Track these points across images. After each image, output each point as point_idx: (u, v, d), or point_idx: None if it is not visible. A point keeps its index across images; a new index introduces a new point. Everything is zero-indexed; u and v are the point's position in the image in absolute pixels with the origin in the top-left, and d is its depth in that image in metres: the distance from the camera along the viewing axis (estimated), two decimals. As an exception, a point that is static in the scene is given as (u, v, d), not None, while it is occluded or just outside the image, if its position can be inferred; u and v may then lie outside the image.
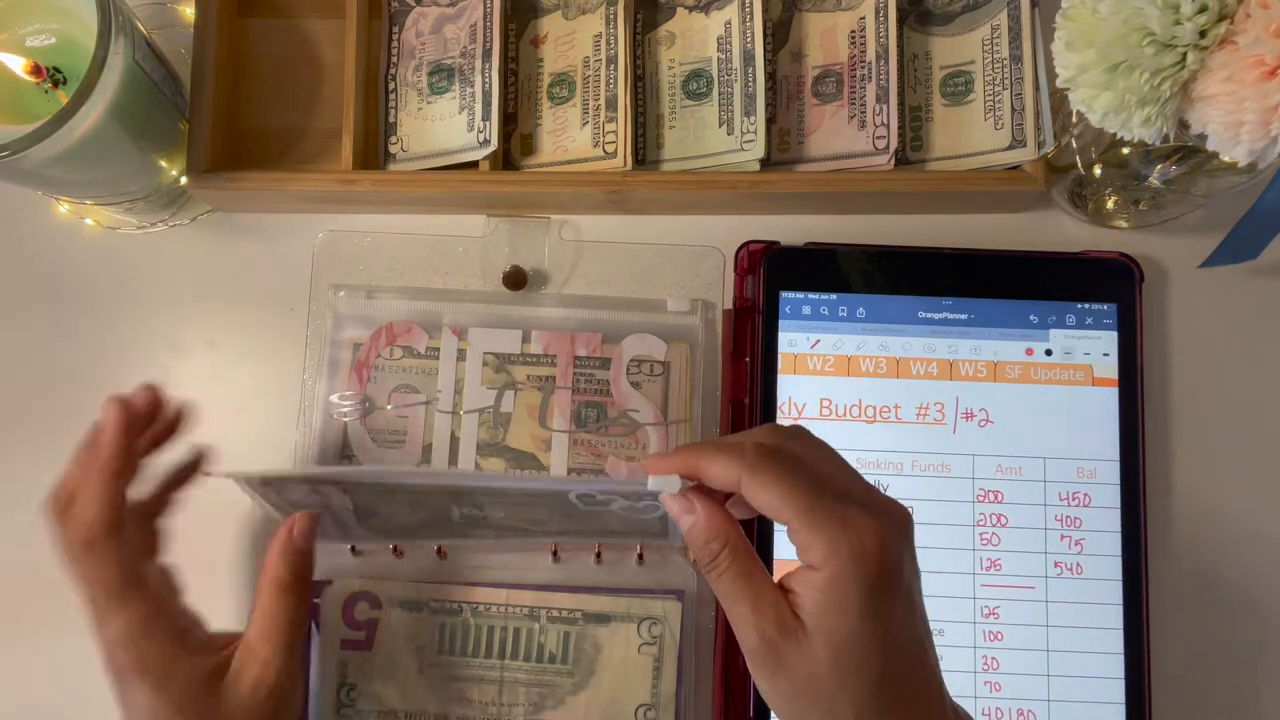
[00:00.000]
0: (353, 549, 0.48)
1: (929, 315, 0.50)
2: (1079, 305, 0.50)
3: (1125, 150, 0.47)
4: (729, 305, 0.52)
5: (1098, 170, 0.49)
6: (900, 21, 0.52)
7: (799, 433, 0.36)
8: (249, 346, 0.53)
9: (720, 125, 0.52)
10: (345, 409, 0.50)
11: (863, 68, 0.52)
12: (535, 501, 0.40)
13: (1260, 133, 0.37)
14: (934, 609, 0.47)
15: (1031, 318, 0.50)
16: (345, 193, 0.51)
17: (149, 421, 0.43)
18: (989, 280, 0.50)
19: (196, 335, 0.53)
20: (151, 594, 0.40)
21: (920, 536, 0.48)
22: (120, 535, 0.40)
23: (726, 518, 0.35)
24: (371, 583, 0.48)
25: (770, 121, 0.52)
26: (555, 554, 0.48)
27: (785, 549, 0.47)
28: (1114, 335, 0.50)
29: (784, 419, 0.49)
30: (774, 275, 0.50)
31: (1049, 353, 0.50)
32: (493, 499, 0.40)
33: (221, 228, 0.54)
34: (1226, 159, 0.42)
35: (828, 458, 0.35)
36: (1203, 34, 0.37)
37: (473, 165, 0.52)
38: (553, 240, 0.53)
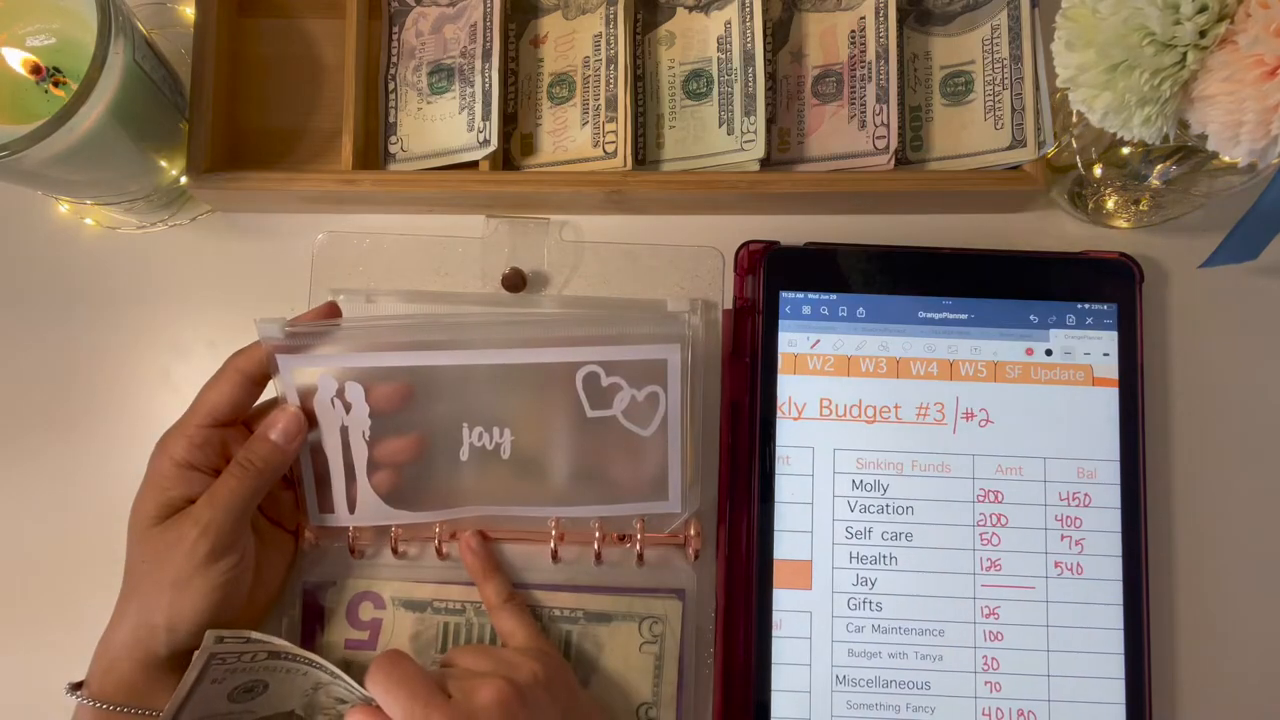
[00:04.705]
0: (351, 550, 0.48)
1: (929, 315, 0.50)
2: (1079, 305, 0.50)
3: (1125, 150, 0.47)
4: (729, 305, 0.52)
5: (1098, 170, 0.49)
6: (900, 21, 0.52)
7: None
8: (249, 347, 0.53)
9: (720, 125, 0.52)
10: (345, 409, 0.50)
11: (863, 68, 0.52)
12: (546, 403, 0.45)
13: (1260, 133, 0.37)
14: (934, 609, 0.48)
15: (1031, 318, 0.50)
16: (345, 193, 0.51)
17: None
18: (989, 280, 0.50)
19: (197, 335, 0.53)
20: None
21: (920, 536, 0.48)
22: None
23: None
24: (375, 583, 0.49)
25: (770, 121, 0.52)
26: (555, 554, 0.48)
27: (785, 549, 0.48)
28: (1114, 335, 0.50)
29: (784, 419, 0.49)
30: (774, 275, 0.50)
31: (1049, 353, 0.50)
32: (503, 396, 0.45)
33: (221, 228, 0.54)
34: (1226, 159, 0.42)
35: None
36: (1203, 34, 0.37)
37: (473, 165, 0.52)
38: (552, 241, 0.53)
